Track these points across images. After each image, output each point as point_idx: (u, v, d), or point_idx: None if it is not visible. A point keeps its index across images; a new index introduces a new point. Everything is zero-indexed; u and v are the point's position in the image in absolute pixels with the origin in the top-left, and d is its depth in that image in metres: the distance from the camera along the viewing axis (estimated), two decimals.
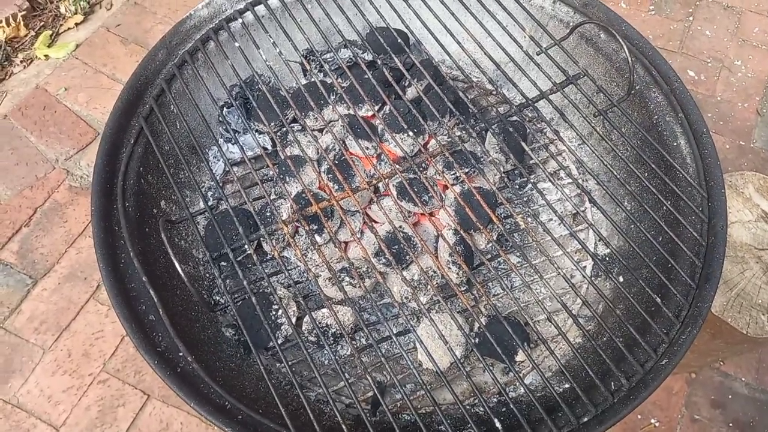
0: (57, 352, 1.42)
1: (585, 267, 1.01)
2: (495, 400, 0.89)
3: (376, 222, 0.98)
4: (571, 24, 1.04)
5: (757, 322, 1.15)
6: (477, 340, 0.89)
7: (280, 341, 0.87)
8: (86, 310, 1.48)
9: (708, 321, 1.13)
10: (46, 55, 1.81)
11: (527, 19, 1.02)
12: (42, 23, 1.88)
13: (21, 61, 1.82)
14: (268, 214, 0.95)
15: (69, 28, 1.88)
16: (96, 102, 1.73)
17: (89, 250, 1.54)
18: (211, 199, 1.04)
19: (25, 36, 1.86)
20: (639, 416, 1.42)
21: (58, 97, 1.73)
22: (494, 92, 1.16)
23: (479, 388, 0.90)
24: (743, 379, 1.47)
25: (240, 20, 1.03)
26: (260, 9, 1.04)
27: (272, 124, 1.03)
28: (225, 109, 1.07)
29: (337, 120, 1.04)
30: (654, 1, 2.03)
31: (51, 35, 1.86)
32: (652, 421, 1.42)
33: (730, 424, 1.42)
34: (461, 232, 0.87)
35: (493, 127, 0.96)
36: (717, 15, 2.01)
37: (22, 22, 1.84)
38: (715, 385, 1.47)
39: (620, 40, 0.92)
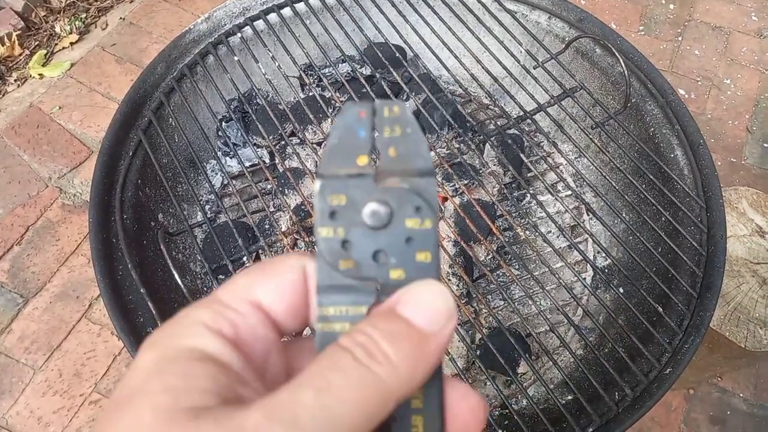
0: (48, 372, 1.39)
1: (585, 278, 1.01)
2: (497, 413, 0.88)
3: None
4: (566, 39, 1.06)
5: (755, 336, 1.15)
6: (478, 351, 0.88)
7: None
8: (78, 329, 1.46)
9: (706, 335, 1.13)
10: (40, 74, 1.81)
11: (524, 33, 1.03)
12: (37, 42, 1.89)
13: (15, 80, 1.81)
14: (267, 226, 0.94)
15: (64, 48, 1.88)
16: (90, 120, 1.72)
17: (81, 269, 1.53)
18: (209, 212, 1.04)
19: (20, 55, 1.86)
20: None
21: (52, 116, 1.72)
22: (492, 106, 1.17)
23: None
24: (741, 394, 1.47)
25: (239, 35, 1.03)
26: (259, 24, 1.05)
27: (271, 137, 1.03)
28: (224, 122, 1.07)
29: None
30: (643, 21, 2.07)
31: (46, 54, 1.86)
32: None
33: None
34: (461, 243, 0.87)
35: (491, 139, 0.97)
36: (705, 35, 2.05)
37: (16, 42, 1.84)
38: (714, 401, 1.46)
39: (616, 53, 0.94)
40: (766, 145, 1.80)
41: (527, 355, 0.86)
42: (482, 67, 0.99)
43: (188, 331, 0.20)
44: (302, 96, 1.08)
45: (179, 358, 0.19)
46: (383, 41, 1.03)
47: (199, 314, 0.21)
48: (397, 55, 1.03)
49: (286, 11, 1.06)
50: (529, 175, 1.10)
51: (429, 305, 0.21)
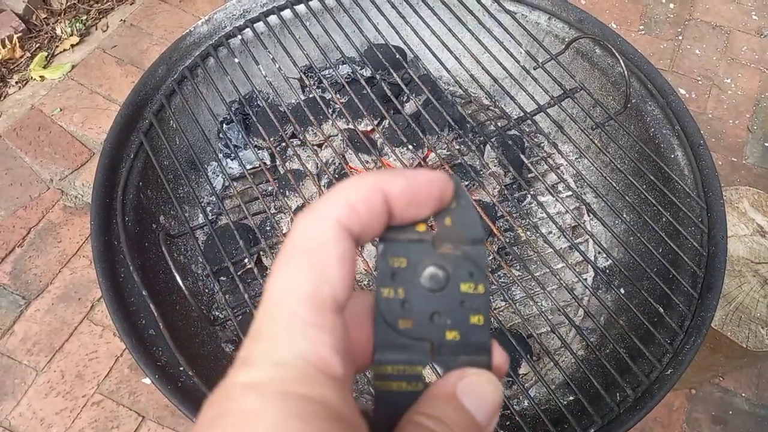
0: (50, 374, 1.40)
1: (586, 279, 1.01)
2: (499, 413, 0.88)
3: None
4: (566, 39, 1.06)
5: (757, 336, 1.15)
6: None
7: None
8: (80, 330, 1.46)
9: (708, 335, 1.14)
10: (41, 76, 1.81)
11: (523, 34, 1.03)
12: (38, 45, 1.89)
13: (16, 82, 1.82)
14: (268, 227, 0.94)
15: (65, 50, 1.89)
16: (91, 122, 1.72)
17: (83, 270, 1.53)
18: (210, 213, 1.04)
19: (21, 57, 1.86)
20: None
21: (53, 118, 1.72)
22: (492, 107, 1.17)
23: None
24: (743, 394, 1.47)
25: (239, 37, 1.03)
26: (259, 26, 1.05)
27: (272, 139, 1.03)
28: (224, 124, 1.07)
29: (337, 134, 1.05)
30: (643, 21, 2.07)
31: (47, 56, 1.86)
32: None
33: None
34: None
35: (492, 140, 0.97)
36: (706, 34, 2.05)
37: (17, 44, 1.85)
38: (716, 400, 1.46)
39: (616, 54, 0.94)
40: (767, 144, 1.80)
41: (528, 356, 0.86)
42: (482, 68, 0.99)
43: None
44: (303, 98, 1.08)
45: (309, 418, 0.18)
46: (383, 42, 1.03)
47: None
48: (397, 56, 1.03)
49: (286, 13, 1.06)
50: (529, 176, 1.10)
51: (487, 400, 0.22)
